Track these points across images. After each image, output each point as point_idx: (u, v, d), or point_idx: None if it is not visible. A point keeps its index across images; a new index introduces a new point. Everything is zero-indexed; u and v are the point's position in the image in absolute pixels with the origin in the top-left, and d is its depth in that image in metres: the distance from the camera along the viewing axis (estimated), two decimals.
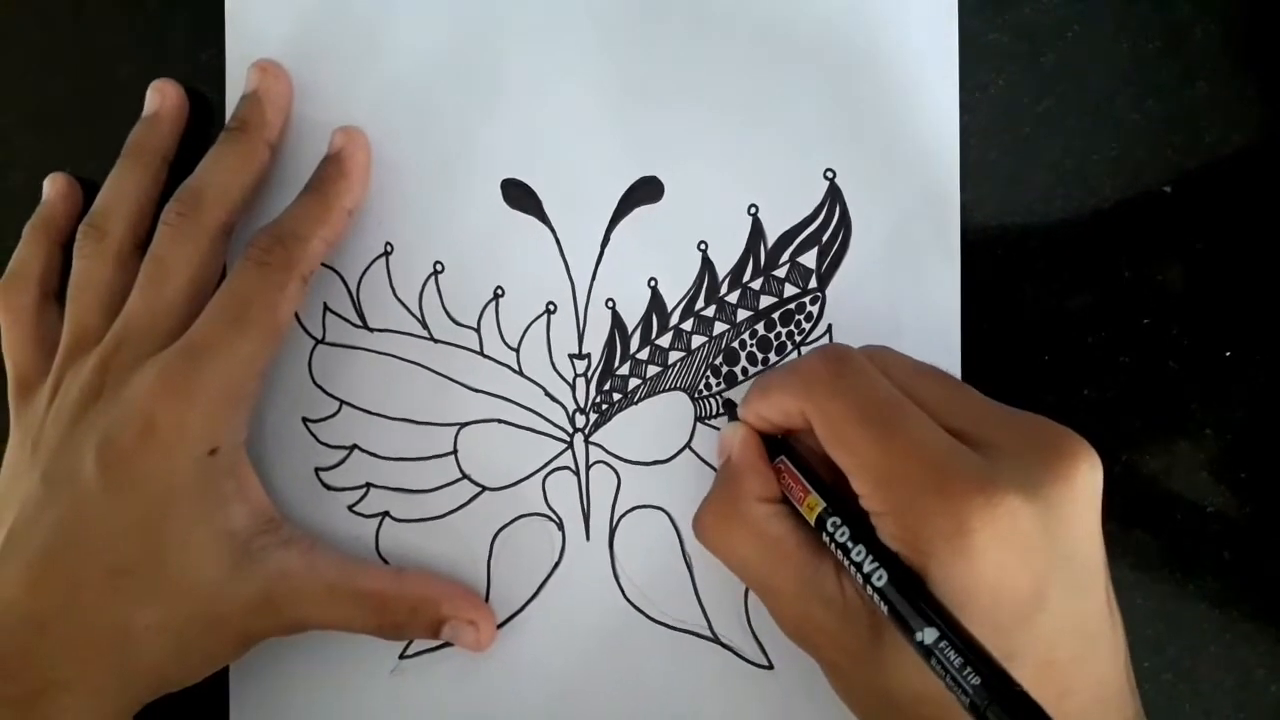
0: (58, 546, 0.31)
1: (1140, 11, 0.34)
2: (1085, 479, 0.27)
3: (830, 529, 0.28)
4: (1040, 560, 0.26)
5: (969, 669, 0.24)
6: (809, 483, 0.29)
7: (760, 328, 0.35)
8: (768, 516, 0.30)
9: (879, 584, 0.26)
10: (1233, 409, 0.34)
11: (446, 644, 0.34)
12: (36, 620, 0.30)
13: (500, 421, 0.35)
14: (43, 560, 0.31)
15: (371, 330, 0.35)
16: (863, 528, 0.28)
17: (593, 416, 0.35)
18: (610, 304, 0.35)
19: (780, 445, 0.31)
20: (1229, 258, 0.34)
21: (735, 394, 0.34)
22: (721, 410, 0.34)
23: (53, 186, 0.36)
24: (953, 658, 0.24)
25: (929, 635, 0.25)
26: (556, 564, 0.35)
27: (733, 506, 0.30)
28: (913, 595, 0.26)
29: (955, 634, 0.25)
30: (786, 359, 0.34)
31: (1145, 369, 0.34)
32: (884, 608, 0.26)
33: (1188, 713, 0.34)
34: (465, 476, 0.35)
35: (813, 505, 0.29)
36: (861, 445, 0.28)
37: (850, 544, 0.27)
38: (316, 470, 0.35)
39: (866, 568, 0.27)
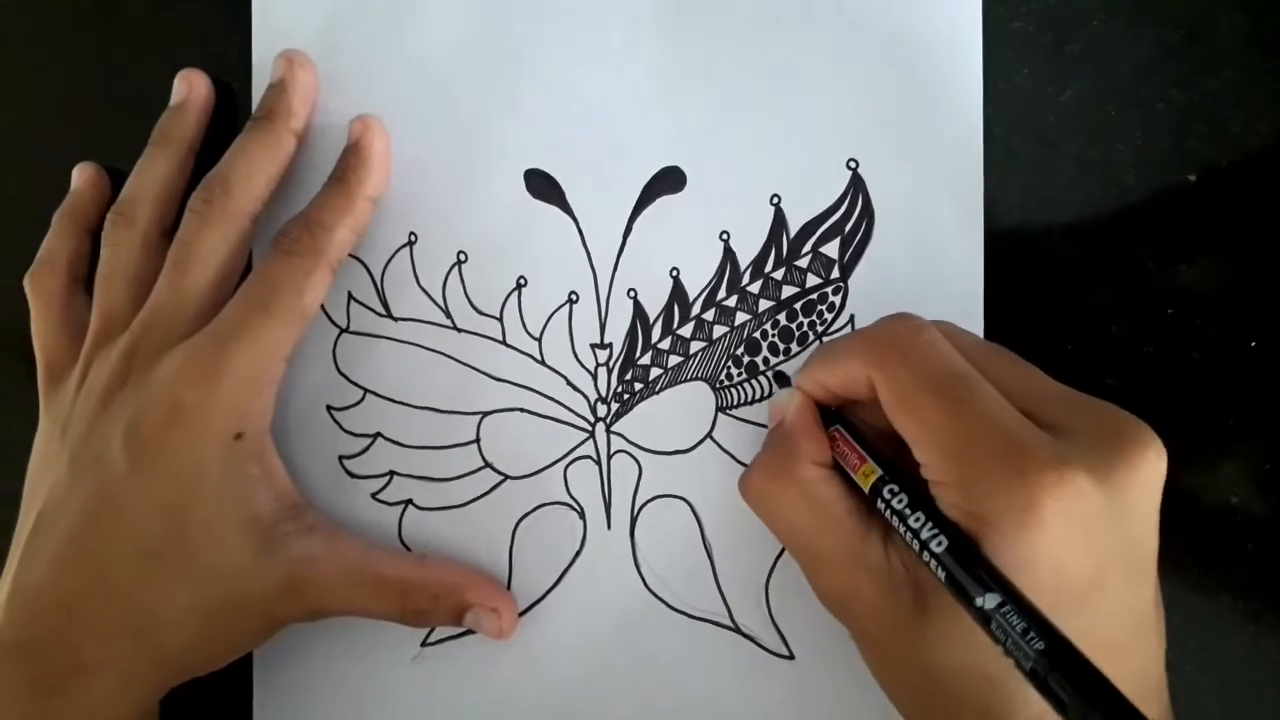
0: (85, 530, 0.31)
1: (1165, 0, 0.34)
2: (1152, 467, 0.27)
3: (887, 496, 0.28)
4: (1103, 544, 0.26)
5: (1031, 634, 0.23)
6: (865, 451, 0.29)
7: (782, 318, 0.35)
8: (819, 480, 0.30)
9: (937, 550, 0.26)
10: (1257, 400, 0.34)
11: (468, 631, 0.34)
12: (64, 603, 0.31)
13: (522, 410, 0.35)
14: (70, 543, 0.31)
15: (395, 319, 0.35)
16: (919, 496, 0.28)
17: (614, 406, 0.35)
18: (632, 294, 0.35)
19: (834, 415, 0.31)
20: (1253, 248, 0.34)
21: (784, 368, 0.34)
22: (744, 400, 0.34)
23: (81, 175, 0.36)
24: (1015, 623, 0.24)
25: (989, 600, 0.24)
26: (578, 553, 0.35)
27: (784, 468, 0.30)
28: (972, 562, 0.25)
29: (1017, 600, 0.24)
30: (808, 349, 0.34)
31: (1168, 360, 0.34)
32: (941, 574, 0.26)
33: (1210, 705, 0.34)
34: (488, 465, 0.35)
35: (868, 473, 0.29)
36: (931, 414, 0.27)
37: (908, 511, 0.27)
38: (340, 458, 0.35)
39: (924, 534, 0.27)
